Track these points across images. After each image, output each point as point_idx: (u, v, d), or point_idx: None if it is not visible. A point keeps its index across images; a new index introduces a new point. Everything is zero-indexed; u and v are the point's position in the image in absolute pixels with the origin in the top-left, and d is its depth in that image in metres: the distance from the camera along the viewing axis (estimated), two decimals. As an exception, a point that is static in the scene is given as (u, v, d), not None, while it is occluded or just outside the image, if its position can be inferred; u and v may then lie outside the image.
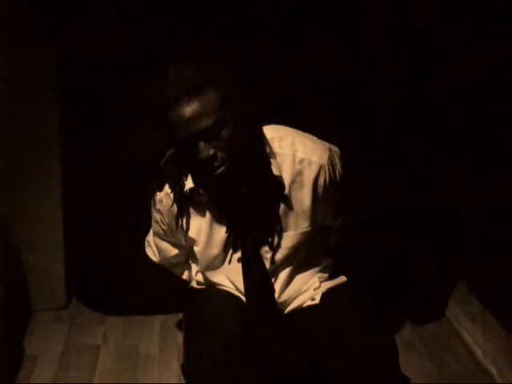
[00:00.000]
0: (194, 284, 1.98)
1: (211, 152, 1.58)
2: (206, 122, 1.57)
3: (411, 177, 2.66)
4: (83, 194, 2.68)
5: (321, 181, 1.74)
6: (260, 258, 1.78)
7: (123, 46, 2.42)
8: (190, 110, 1.57)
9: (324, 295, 1.84)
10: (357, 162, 2.07)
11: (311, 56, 2.49)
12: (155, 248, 2.05)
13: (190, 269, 2.01)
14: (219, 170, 1.60)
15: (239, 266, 1.81)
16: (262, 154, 1.70)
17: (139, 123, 1.77)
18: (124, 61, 2.44)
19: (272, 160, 1.70)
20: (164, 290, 2.69)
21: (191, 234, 1.82)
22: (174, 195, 1.76)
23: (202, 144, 1.59)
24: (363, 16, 2.47)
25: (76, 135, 2.61)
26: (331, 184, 1.76)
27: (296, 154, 1.72)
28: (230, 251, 1.81)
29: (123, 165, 2.57)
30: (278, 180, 1.71)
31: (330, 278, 1.91)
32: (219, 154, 1.59)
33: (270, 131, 1.75)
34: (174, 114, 1.57)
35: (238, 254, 1.81)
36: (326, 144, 1.79)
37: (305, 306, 1.85)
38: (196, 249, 1.85)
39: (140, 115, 1.82)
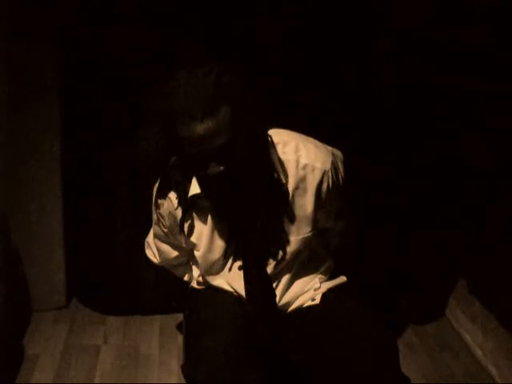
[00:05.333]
0: (194, 284, 1.98)
1: (221, 168, 1.55)
2: (219, 140, 1.52)
3: (411, 177, 2.66)
4: (83, 194, 2.68)
5: (324, 186, 1.73)
6: (261, 268, 1.78)
7: (124, 45, 2.42)
8: (203, 128, 1.51)
9: (324, 295, 1.84)
10: (359, 165, 2.07)
11: (312, 57, 2.49)
12: (155, 250, 2.05)
13: (190, 269, 2.01)
14: (226, 185, 1.59)
15: (240, 272, 1.81)
16: (269, 163, 1.68)
17: (140, 124, 1.76)
18: (124, 60, 2.44)
19: (277, 167, 1.69)
20: (164, 290, 2.70)
21: (192, 238, 1.81)
22: (179, 200, 1.75)
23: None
24: (362, 17, 2.47)
25: (76, 135, 2.61)
26: (334, 188, 1.75)
27: (299, 159, 1.70)
28: (231, 259, 1.81)
29: (124, 165, 2.57)
30: (282, 187, 1.70)
31: (330, 278, 1.91)
32: (228, 170, 1.56)
33: (274, 136, 1.73)
34: (187, 131, 1.52)
35: (239, 262, 1.81)
36: (329, 148, 1.78)
37: (305, 306, 1.85)
38: (197, 254, 1.84)
39: (141, 117, 1.80)
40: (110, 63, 2.45)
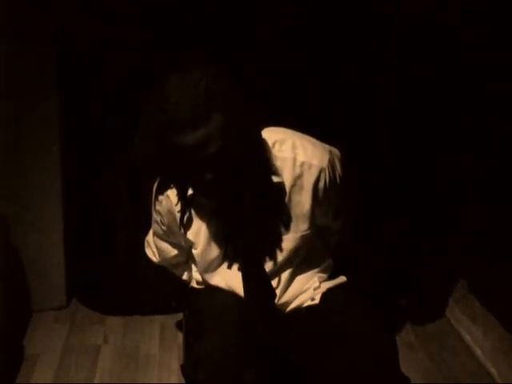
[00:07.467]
0: (193, 284, 1.98)
1: (213, 176, 1.54)
2: (211, 149, 1.51)
3: (411, 177, 2.66)
4: (83, 194, 2.68)
5: (321, 184, 1.73)
6: (259, 267, 1.78)
7: (124, 45, 2.42)
8: (194, 138, 1.49)
9: (324, 295, 1.84)
10: (359, 165, 2.07)
11: (312, 57, 2.49)
12: (155, 248, 2.05)
13: (190, 269, 2.01)
14: (221, 188, 1.59)
15: (238, 271, 1.81)
16: (264, 162, 1.67)
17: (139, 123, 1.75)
18: (124, 59, 2.44)
19: (273, 166, 1.69)
20: (164, 290, 2.70)
21: (190, 236, 1.81)
22: (178, 198, 1.75)
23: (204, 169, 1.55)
24: (363, 17, 2.47)
25: (76, 135, 2.61)
26: (331, 186, 1.75)
27: (296, 157, 1.70)
28: (229, 257, 1.81)
29: (124, 164, 2.57)
30: (279, 187, 1.70)
31: (330, 278, 1.91)
32: (221, 178, 1.55)
33: (270, 134, 1.73)
34: (178, 141, 1.50)
35: (237, 261, 1.80)
36: (326, 146, 1.78)
37: (304, 305, 1.85)
38: (195, 252, 1.84)
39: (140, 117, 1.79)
40: (109, 63, 2.45)
